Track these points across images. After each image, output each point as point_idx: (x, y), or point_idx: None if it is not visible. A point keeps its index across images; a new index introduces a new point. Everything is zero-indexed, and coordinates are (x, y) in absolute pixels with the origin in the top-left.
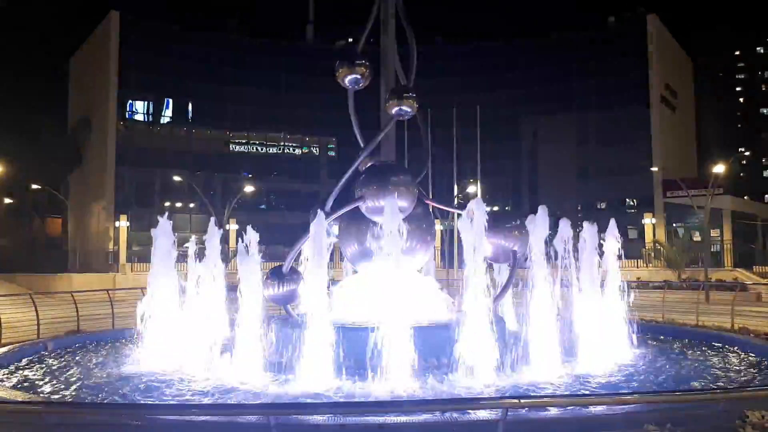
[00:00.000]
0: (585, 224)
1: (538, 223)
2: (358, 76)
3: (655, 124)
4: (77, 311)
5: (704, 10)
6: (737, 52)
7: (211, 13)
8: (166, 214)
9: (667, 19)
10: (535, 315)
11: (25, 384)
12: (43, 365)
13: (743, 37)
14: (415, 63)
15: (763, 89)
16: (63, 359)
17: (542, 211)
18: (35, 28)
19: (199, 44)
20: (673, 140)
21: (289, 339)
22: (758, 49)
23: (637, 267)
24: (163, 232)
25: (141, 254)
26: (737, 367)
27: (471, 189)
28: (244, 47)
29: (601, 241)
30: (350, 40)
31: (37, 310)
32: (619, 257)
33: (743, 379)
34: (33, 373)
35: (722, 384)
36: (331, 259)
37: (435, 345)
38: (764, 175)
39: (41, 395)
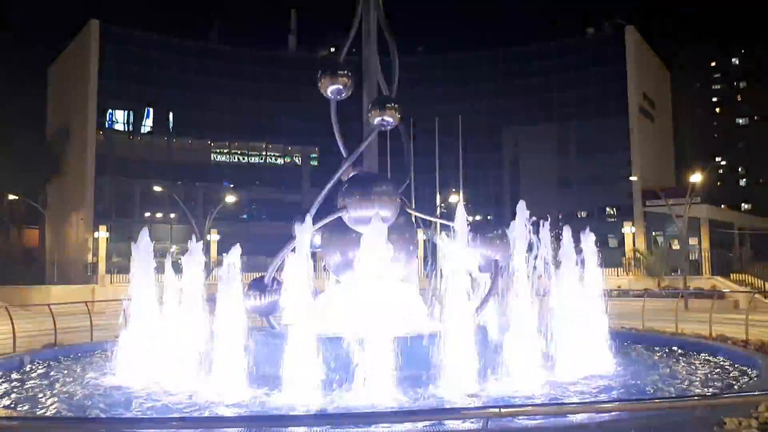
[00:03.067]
0: (564, 230)
1: (517, 221)
2: (341, 87)
3: (634, 134)
4: (54, 324)
5: (681, 22)
6: (713, 63)
7: (192, 21)
8: (146, 228)
9: (645, 31)
10: (515, 323)
11: (1, 399)
12: (19, 379)
13: (719, 48)
14: (397, 73)
15: (739, 99)
16: (39, 373)
17: (521, 206)
18: (13, 37)
19: (180, 53)
20: (651, 149)
21: (271, 350)
22: (733, 60)
23: (617, 275)
24: (143, 246)
25: (120, 265)
26: (715, 374)
27: (453, 198)
28: (226, 56)
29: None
30: (332, 50)
31: (13, 323)
32: (600, 265)
33: (721, 385)
34: (8, 387)
35: (700, 391)
36: (314, 269)
37: (417, 355)
38: (741, 184)
39: (17, 410)
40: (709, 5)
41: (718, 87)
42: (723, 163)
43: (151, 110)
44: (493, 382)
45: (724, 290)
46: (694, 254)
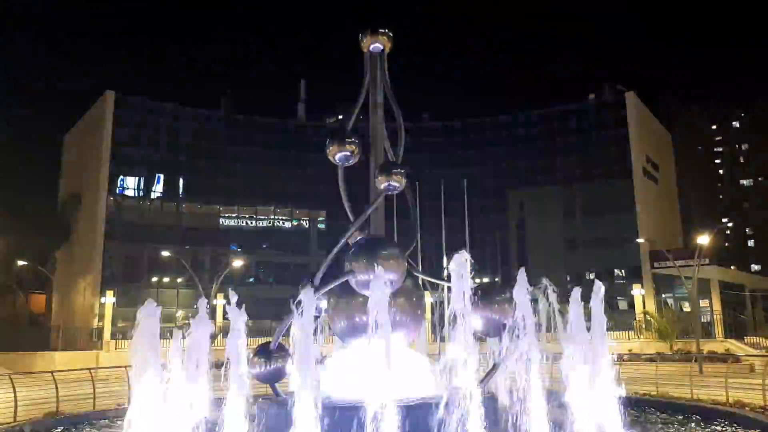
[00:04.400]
0: (573, 292)
1: (518, 289)
2: (348, 153)
3: (639, 196)
4: (57, 392)
5: (680, 87)
6: (714, 126)
7: (203, 90)
8: (153, 303)
9: (645, 96)
10: (525, 390)
11: None
12: None
13: (719, 112)
14: (403, 140)
15: (742, 161)
16: None
17: (521, 275)
18: (30, 108)
19: (192, 121)
20: (657, 211)
21: (276, 419)
22: (734, 123)
23: (629, 339)
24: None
25: (126, 330)
26: None
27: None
28: (236, 124)
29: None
30: (340, 117)
31: (15, 391)
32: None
33: None
34: None
35: None
36: (321, 333)
37: (424, 423)
38: (749, 244)
39: None
40: (708, 70)
41: (720, 149)
42: (730, 224)
43: (161, 176)
44: None
45: (738, 354)
46: (705, 316)
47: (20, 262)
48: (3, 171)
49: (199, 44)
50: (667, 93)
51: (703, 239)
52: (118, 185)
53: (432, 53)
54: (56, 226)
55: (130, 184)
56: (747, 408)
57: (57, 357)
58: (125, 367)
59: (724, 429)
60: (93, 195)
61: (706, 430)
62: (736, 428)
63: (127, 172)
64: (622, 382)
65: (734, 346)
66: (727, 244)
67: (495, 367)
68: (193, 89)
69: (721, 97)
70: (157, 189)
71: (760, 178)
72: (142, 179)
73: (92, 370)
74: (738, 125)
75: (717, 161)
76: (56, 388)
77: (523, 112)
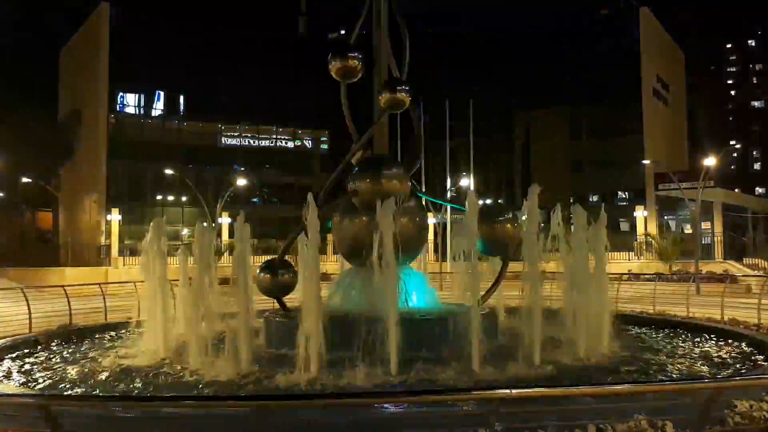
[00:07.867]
0: (575, 209)
1: (529, 206)
2: (351, 69)
3: (647, 117)
4: (69, 305)
5: (696, 2)
6: (728, 45)
7: (203, 5)
8: (163, 218)
9: (659, 12)
10: (525, 306)
11: (18, 377)
12: (36, 359)
13: (734, 29)
14: (408, 56)
15: (754, 82)
16: (56, 353)
17: (534, 189)
18: (25, 21)
19: (191, 37)
20: (664, 133)
21: (282, 331)
22: (749, 42)
23: (629, 259)
24: (155, 231)
25: (133, 247)
26: (726, 358)
27: (464, 182)
28: (236, 40)
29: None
30: (343, 32)
31: (28, 304)
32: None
33: (732, 369)
34: (26, 366)
35: (711, 374)
36: (324, 252)
37: (425, 337)
38: (755, 167)
39: (35, 388)
40: None
41: (733, 69)
42: (737, 146)
43: (162, 94)
44: (502, 365)
45: (736, 274)
46: (706, 238)
47: (25, 180)
48: (2, 87)
49: None
50: (682, 8)
51: (709, 161)
52: (118, 102)
53: None
54: (58, 144)
55: (130, 101)
56: (741, 326)
57: (67, 272)
58: (134, 282)
59: (716, 344)
60: (93, 112)
61: (700, 344)
62: (728, 343)
63: (126, 89)
64: (620, 300)
65: (733, 267)
66: (733, 167)
67: (496, 283)
68: (190, 2)
69: (737, 13)
70: (158, 106)
71: None
72: (142, 96)
73: (102, 285)
74: (753, 43)
75: (729, 81)
76: (68, 301)
77: (533, 28)
